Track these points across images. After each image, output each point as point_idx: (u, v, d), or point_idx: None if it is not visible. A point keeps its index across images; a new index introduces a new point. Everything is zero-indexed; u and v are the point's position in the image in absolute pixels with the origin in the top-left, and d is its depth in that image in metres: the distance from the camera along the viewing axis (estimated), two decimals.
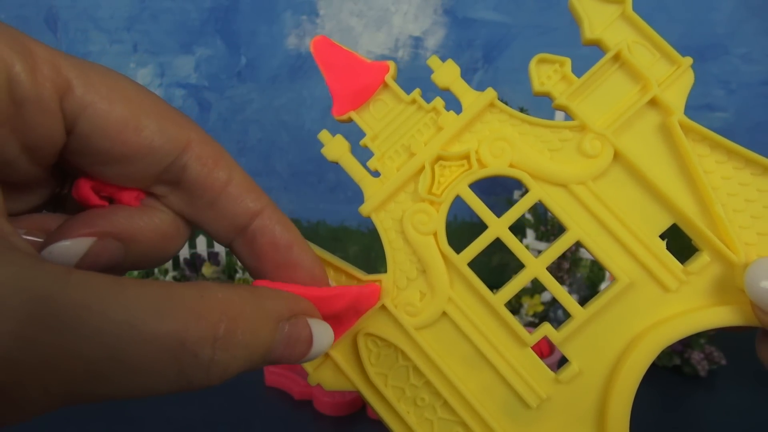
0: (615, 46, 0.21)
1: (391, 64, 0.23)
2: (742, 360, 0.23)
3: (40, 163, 0.18)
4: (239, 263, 0.69)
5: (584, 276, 0.61)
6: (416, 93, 0.23)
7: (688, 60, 0.21)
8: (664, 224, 0.21)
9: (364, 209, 0.22)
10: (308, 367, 0.22)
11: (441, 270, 0.21)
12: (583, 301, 0.60)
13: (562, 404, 0.21)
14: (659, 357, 0.60)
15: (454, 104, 0.23)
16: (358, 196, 0.23)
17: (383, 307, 0.21)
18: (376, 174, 0.22)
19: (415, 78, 0.76)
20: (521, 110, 0.28)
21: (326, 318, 0.19)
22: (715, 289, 0.20)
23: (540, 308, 0.60)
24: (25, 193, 0.19)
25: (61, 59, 0.17)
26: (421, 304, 0.21)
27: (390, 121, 0.22)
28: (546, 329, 0.21)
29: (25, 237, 0.18)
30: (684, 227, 0.20)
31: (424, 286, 0.22)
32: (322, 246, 0.22)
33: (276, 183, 0.73)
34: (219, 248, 0.69)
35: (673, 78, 0.21)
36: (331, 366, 0.22)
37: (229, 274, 0.69)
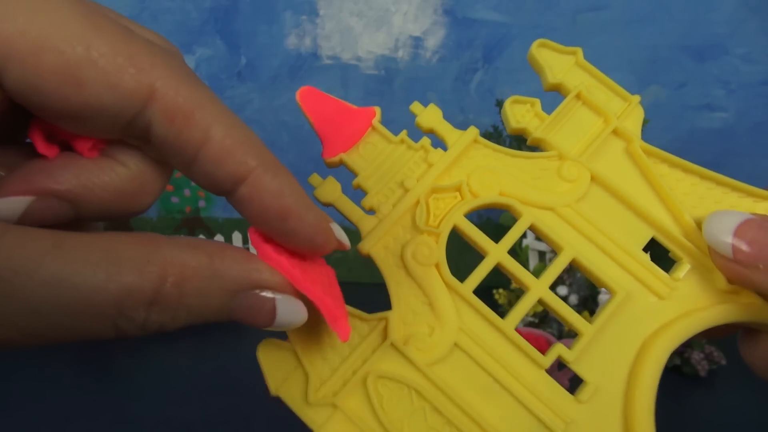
0: (575, 88, 0.24)
1: (377, 109, 0.24)
2: (742, 360, 0.23)
3: None
4: None
5: (584, 276, 0.61)
6: (404, 134, 0.24)
7: (637, 97, 0.24)
8: (645, 237, 0.22)
9: (363, 246, 0.22)
10: (312, 424, 0.20)
11: (447, 300, 0.21)
12: (582, 302, 0.60)
13: (586, 424, 0.20)
14: None
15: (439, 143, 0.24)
16: (358, 196, 0.23)
17: (392, 346, 0.21)
18: (370, 213, 0.22)
19: (414, 78, 0.77)
20: None
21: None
22: (702, 292, 0.21)
23: (540, 308, 0.60)
24: None
25: None
26: (430, 339, 0.21)
27: (381, 161, 0.23)
28: (559, 349, 0.21)
29: None
30: (662, 239, 0.22)
31: (431, 319, 0.21)
32: None
33: None
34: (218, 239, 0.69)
35: (628, 111, 0.24)
36: (340, 420, 0.20)
37: None
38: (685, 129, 0.71)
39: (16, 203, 0.15)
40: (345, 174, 0.23)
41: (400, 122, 0.86)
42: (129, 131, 0.16)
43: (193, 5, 0.70)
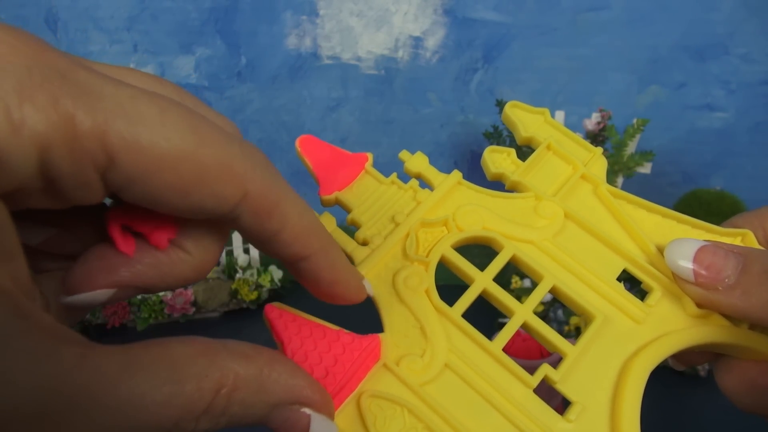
0: (545, 140, 0.27)
1: (370, 155, 0.26)
2: None
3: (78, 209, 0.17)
4: (239, 264, 0.69)
5: None
6: (394, 176, 0.26)
7: (599, 149, 0.27)
8: (618, 268, 0.24)
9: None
10: None
11: (437, 324, 0.22)
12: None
13: None
14: None
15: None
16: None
17: (384, 366, 0.21)
18: (363, 245, 0.24)
19: (414, 78, 0.77)
20: None
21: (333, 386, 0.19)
22: (675, 316, 0.23)
23: (540, 308, 0.60)
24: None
25: (109, 126, 0.15)
26: (422, 360, 0.22)
27: (374, 200, 0.25)
28: (545, 369, 0.22)
29: (66, 301, 0.18)
30: (633, 269, 0.24)
31: (422, 342, 0.22)
32: None
33: None
34: None
35: (593, 160, 0.27)
36: None
37: (229, 274, 0.69)
38: (685, 129, 0.71)
39: (102, 295, 0.17)
40: (340, 211, 0.25)
41: (399, 122, 0.86)
42: (218, 219, 0.18)
43: (193, 5, 0.70)
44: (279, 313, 0.21)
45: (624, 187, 0.64)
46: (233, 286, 0.69)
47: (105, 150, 0.15)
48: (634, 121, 0.64)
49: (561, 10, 0.68)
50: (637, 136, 0.64)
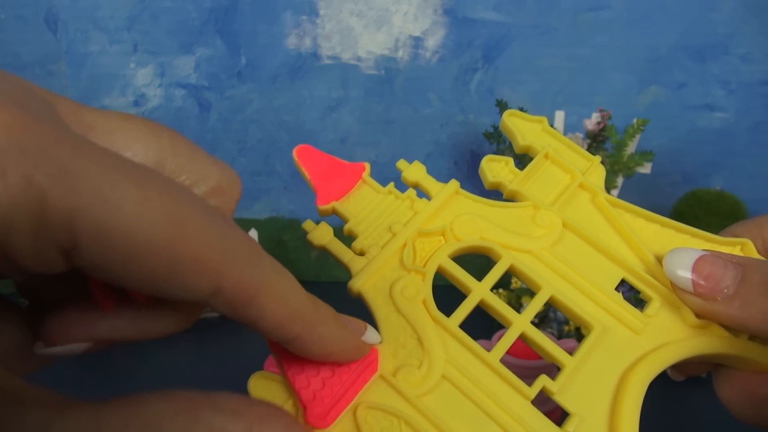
0: (542, 149, 0.27)
1: (367, 165, 0.26)
2: None
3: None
4: None
5: None
6: (391, 185, 0.26)
7: (597, 158, 0.27)
8: (617, 278, 0.24)
9: (354, 285, 0.23)
10: None
11: (434, 335, 0.22)
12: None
13: None
14: None
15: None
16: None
17: (381, 378, 0.21)
18: (360, 255, 0.24)
19: (414, 78, 0.77)
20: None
21: (330, 396, 0.19)
22: (674, 327, 0.23)
23: (540, 308, 0.60)
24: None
25: (81, 212, 0.13)
26: (419, 371, 0.21)
27: (371, 209, 0.25)
28: (543, 380, 0.21)
29: (42, 352, 0.17)
30: (632, 279, 0.24)
31: (420, 353, 0.22)
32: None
33: (276, 183, 0.73)
34: None
35: (591, 169, 0.26)
36: None
37: None
38: (685, 129, 0.71)
39: (77, 348, 0.17)
40: (337, 221, 0.25)
41: (399, 122, 0.86)
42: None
43: (193, 5, 0.70)
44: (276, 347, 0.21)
45: (624, 187, 0.64)
46: None
47: (71, 234, 0.14)
48: (634, 121, 0.64)
49: (561, 10, 0.68)
50: (637, 136, 0.64)
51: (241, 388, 0.53)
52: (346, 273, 0.23)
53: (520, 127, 0.28)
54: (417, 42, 0.70)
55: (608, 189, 0.54)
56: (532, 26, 0.69)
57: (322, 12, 0.70)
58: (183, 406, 0.14)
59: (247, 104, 0.73)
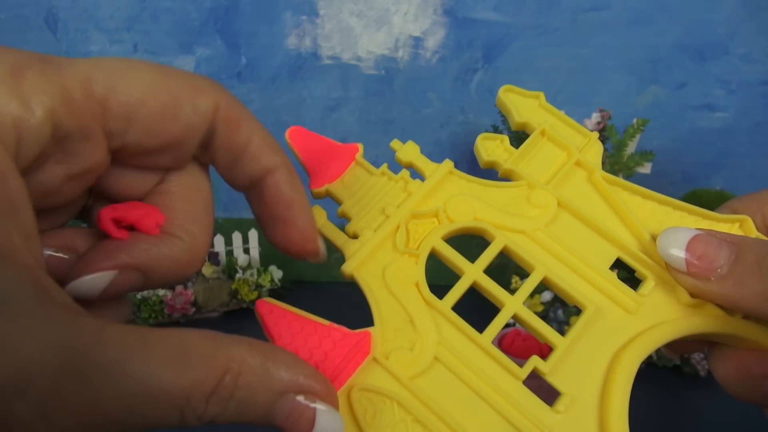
0: (539, 125, 0.26)
1: (360, 146, 0.26)
2: None
3: (83, 186, 0.19)
4: (239, 264, 0.69)
5: None
6: (384, 167, 0.26)
7: (595, 134, 0.26)
8: (611, 257, 0.24)
9: (347, 268, 0.23)
10: None
11: (427, 317, 0.22)
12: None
13: None
14: (659, 357, 0.60)
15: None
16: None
17: (374, 360, 0.21)
18: (353, 238, 0.24)
19: (415, 78, 0.76)
20: None
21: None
22: (668, 306, 0.23)
23: (540, 308, 0.60)
24: (58, 213, 0.20)
25: (91, 80, 0.18)
26: (411, 353, 0.21)
27: (364, 191, 0.25)
28: (534, 361, 0.21)
29: (53, 254, 0.19)
30: (627, 258, 0.24)
31: (412, 335, 0.22)
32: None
33: None
34: (219, 248, 0.69)
35: (588, 146, 0.26)
36: None
37: (229, 274, 0.69)
38: (685, 129, 0.71)
39: (103, 277, 0.18)
40: (330, 204, 0.25)
41: (399, 122, 0.86)
42: (202, 141, 0.20)
43: (193, 5, 0.70)
44: (270, 309, 0.21)
45: None
46: (233, 286, 0.69)
47: (95, 100, 0.18)
48: (634, 121, 0.64)
49: (561, 10, 0.68)
50: (637, 136, 0.64)
51: None
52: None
53: (517, 103, 0.27)
54: (417, 42, 0.70)
55: None
56: (532, 26, 0.69)
57: (322, 12, 0.70)
58: (209, 335, 0.16)
59: (247, 104, 0.73)
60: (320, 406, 0.17)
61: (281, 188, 0.21)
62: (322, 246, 0.23)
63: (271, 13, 0.70)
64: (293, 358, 0.18)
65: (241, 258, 0.70)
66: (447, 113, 0.72)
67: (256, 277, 0.69)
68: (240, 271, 0.69)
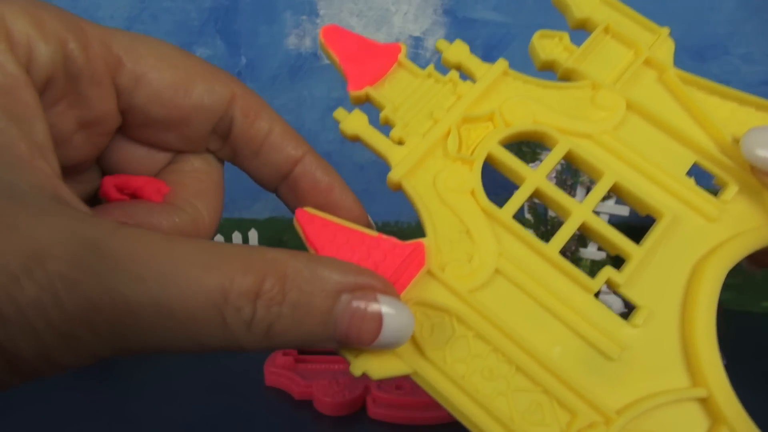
0: (602, 22, 0.24)
1: (403, 46, 0.24)
2: (742, 360, 0.23)
3: (95, 143, 0.19)
4: None
5: None
6: (431, 67, 0.23)
7: (666, 29, 0.25)
8: (688, 162, 0.22)
9: (394, 176, 0.21)
10: (348, 354, 0.18)
11: (485, 227, 0.20)
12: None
13: (643, 351, 0.19)
14: None
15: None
16: (357, 195, 0.23)
17: (429, 273, 0.19)
18: (399, 145, 0.22)
19: None
20: None
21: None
22: (754, 212, 0.21)
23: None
24: (70, 183, 0.20)
25: (111, 37, 0.19)
26: (470, 265, 0.20)
27: (409, 94, 0.23)
28: (608, 272, 0.19)
29: None
30: (705, 163, 0.22)
31: (469, 246, 0.20)
32: None
33: None
34: (218, 239, 0.69)
35: (659, 43, 0.24)
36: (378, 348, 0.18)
37: None
38: None
39: None
40: (371, 110, 0.23)
41: None
42: (216, 129, 0.20)
43: (193, 5, 0.70)
44: (310, 218, 0.19)
45: None
46: None
47: (112, 53, 0.18)
48: None
49: None
50: None
51: (242, 388, 0.53)
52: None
53: None
54: (417, 42, 0.70)
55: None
56: (532, 26, 0.69)
57: (322, 12, 0.70)
58: (243, 245, 0.16)
59: None
60: (384, 297, 0.16)
61: (316, 175, 0.21)
62: (371, 224, 0.22)
63: (271, 13, 0.70)
64: (340, 262, 0.16)
65: None
66: None
67: None
68: None
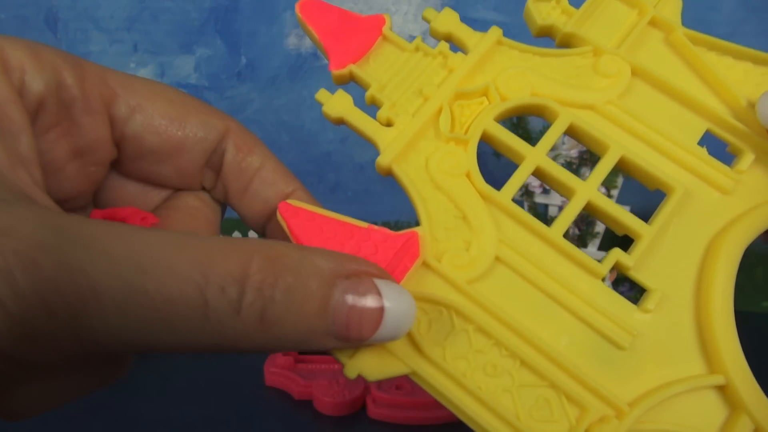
0: None
1: (387, 16, 0.22)
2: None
3: (89, 174, 0.19)
4: None
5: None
6: (418, 39, 0.22)
7: None
8: (699, 130, 0.20)
9: (383, 160, 0.20)
10: (342, 356, 0.17)
11: (483, 211, 0.19)
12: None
13: (656, 337, 0.18)
14: None
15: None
16: (357, 195, 0.23)
17: (425, 264, 0.18)
18: (387, 127, 0.21)
19: None
20: None
21: None
22: None
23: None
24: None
25: (107, 72, 0.19)
26: (468, 254, 0.18)
27: (396, 70, 0.21)
28: (616, 254, 0.18)
29: None
30: (719, 130, 0.20)
31: (467, 233, 0.19)
32: None
33: None
34: None
35: (664, 1, 0.22)
36: (373, 348, 0.17)
37: None
38: None
39: None
40: (355, 89, 0.21)
41: None
42: (209, 163, 0.21)
43: (193, 5, 0.70)
44: (294, 212, 0.18)
45: (625, 187, 0.64)
46: None
47: (107, 85, 0.19)
48: None
49: None
50: None
51: (241, 388, 0.53)
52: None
53: None
54: None
55: (609, 189, 0.54)
56: None
57: None
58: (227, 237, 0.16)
59: (247, 104, 0.73)
60: (381, 282, 0.15)
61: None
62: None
63: (271, 13, 0.70)
64: (331, 251, 0.15)
65: None
66: None
67: None
68: None
